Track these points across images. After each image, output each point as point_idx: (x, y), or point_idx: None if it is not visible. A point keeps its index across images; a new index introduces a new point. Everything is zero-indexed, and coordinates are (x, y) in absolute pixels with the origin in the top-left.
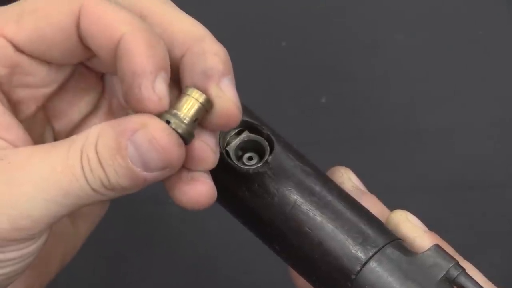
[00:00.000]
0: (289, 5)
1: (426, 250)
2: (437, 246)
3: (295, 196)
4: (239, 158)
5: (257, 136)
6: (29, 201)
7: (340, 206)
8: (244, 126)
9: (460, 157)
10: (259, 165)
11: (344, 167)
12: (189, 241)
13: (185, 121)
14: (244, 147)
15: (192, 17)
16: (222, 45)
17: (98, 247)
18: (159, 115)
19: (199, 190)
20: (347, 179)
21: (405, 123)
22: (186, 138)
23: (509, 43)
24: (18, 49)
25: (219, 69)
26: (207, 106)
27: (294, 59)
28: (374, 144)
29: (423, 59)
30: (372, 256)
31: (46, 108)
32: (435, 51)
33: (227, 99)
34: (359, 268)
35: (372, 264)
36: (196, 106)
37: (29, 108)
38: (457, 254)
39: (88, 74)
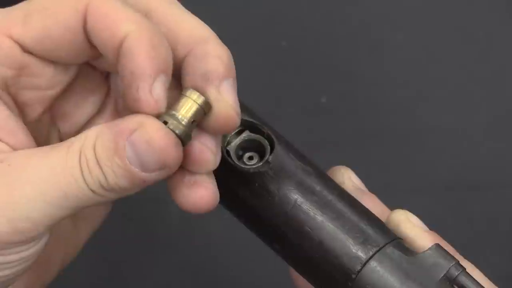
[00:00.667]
0: (289, 5)
1: (426, 250)
2: (437, 245)
3: (295, 196)
4: (240, 157)
5: (257, 135)
6: (28, 202)
7: (340, 205)
8: (244, 125)
9: (460, 157)
10: (259, 164)
11: (344, 166)
12: (190, 241)
13: (182, 122)
14: (244, 147)
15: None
16: (226, 48)
17: (98, 246)
18: (157, 116)
19: (200, 195)
20: (348, 179)
21: (405, 123)
22: (183, 139)
23: (509, 43)
24: (25, 49)
25: (219, 72)
26: (205, 108)
27: (294, 59)
28: (374, 144)
29: (423, 59)
30: (373, 255)
31: (52, 110)
32: (435, 51)
33: (225, 102)
34: (359, 268)
35: (373, 263)
36: (194, 108)
37: (36, 110)
38: (458, 253)
39: (93, 75)
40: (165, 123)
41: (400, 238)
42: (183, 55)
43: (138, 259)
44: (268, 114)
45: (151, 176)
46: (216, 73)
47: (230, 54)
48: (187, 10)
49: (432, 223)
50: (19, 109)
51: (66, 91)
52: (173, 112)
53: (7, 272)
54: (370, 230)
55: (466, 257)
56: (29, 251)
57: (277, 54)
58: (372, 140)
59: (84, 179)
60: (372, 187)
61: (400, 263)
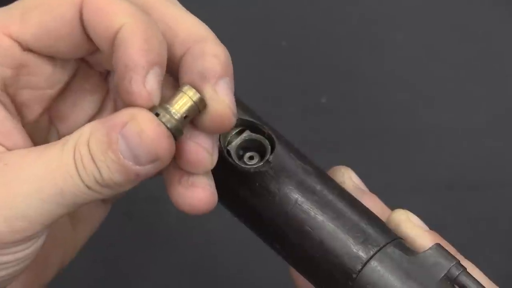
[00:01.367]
0: (289, 5)
1: (427, 249)
2: (438, 245)
3: (296, 195)
4: (240, 157)
5: (258, 135)
6: (24, 200)
7: (341, 205)
8: (245, 125)
9: (460, 156)
10: (260, 164)
11: (345, 166)
12: (189, 240)
13: (175, 117)
14: (245, 147)
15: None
16: (224, 47)
17: (96, 245)
18: (150, 109)
19: (198, 196)
20: (348, 179)
21: (405, 123)
22: (174, 132)
23: (509, 43)
24: (24, 47)
25: (216, 71)
26: (200, 106)
27: (294, 59)
28: (374, 144)
29: (423, 59)
30: (373, 255)
31: (50, 110)
32: (435, 51)
33: (221, 101)
34: (360, 267)
35: (373, 263)
36: (188, 104)
37: (34, 111)
38: (458, 253)
39: (92, 75)
40: (157, 115)
41: (401, 238)
42: (181, 53)
43: (137, 258)
44: (268, 114)
45: (145, 170)
46: (213, 71)
47: (228, 54)
48: (185, 9)
49: (432, 223)
50: (18, 110)
51: (65, 92)
52: (167, 106)
53: (3, 272)
54: (370, 230)
55: (466, 256)
56: (26, 251)
57: (277, 54)
58: (372, 140)
59: (80, 176)
60: (373, 187)
61: (400, 262)
